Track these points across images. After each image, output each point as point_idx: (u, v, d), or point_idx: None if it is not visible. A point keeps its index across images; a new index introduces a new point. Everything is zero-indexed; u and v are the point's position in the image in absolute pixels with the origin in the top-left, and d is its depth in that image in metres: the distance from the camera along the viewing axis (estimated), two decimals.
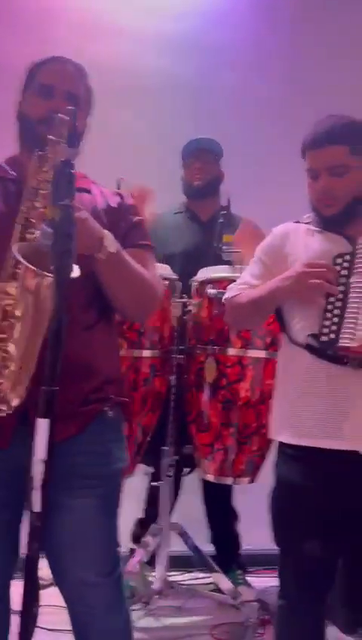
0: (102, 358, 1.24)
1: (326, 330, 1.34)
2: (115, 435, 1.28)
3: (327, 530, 1.39)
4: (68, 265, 0.86)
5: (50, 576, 1.24)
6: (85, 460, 1.19)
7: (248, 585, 2.31)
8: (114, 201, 1.30)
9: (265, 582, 2.26)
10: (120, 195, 1.34)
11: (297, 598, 1.44)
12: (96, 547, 1.22)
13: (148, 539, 2.05)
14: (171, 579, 2.14)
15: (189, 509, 2.37)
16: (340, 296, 1.33)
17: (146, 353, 1.92)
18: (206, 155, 2.33)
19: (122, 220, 1.28)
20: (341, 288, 1.34)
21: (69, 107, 0.96)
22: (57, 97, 1.21)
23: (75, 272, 0.95)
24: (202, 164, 2.32)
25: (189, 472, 2.19)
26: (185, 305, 2.04)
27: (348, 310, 1.32)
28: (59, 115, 0.96)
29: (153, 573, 2.09)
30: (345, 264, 1.35)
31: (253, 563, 2.47)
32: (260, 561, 2.43)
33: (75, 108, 1.01)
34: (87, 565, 1.21)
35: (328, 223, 1.42)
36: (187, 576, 2.41)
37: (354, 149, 1.37)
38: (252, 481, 1.98)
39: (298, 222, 1.51)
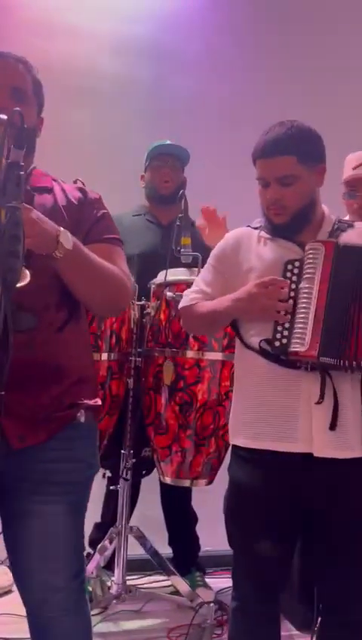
0: (73, 358, 1.22)
1: (278, 336, 1.37)
2: (88, 441, 1.26)
3: (280, 531, 1.42)
4: (14, 267, 0.84)
5: (6, 584, 1.22)
6: (56, 467, 1.18)
7: (207, 586, 2.32)
8: (75, 197, 1.28)
9: (225, 582, 2.27)
10: (82, 190, 1.31)
11: (250, 598, 1.46)
12: (66, 552, 1.22)
13: (105, 543, 2.03)
14: (129, 582, 2.13)
15: (148, 511, 2.36)
16: (290, 304, 1.36)
17: (104, 356, 1.91)
18: (175, 162, 2.34)
19: (85, 215, 1.26)
20: (291, 294, 1.37)
21: (15, 109, 0.93)
22: (1, 94, 1.18)
23: (26, 277, 0.94)
24: (170, 170, 2.33)
25: (146, 474, 2.18)
26: (143, 307, 2.04)
27: (298, 316, 1.35)
28: (2, 116, 0.95)
29: (111, 578, 2.08)
30: (296, 270, 1.38)
31: (213, 564, 2.49)
32: (220, 562, 2.45)
33: (21, 107, 0.99)
34: (56, 570, 1.20)
35: (278, 231, 1.45)
36: (146, 579, 2.41)
37: (303, 158, 1.39)
38: (209, 483, 1.99)
39: (249, 226, 1.53)
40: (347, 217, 2.01)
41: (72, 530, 1.22)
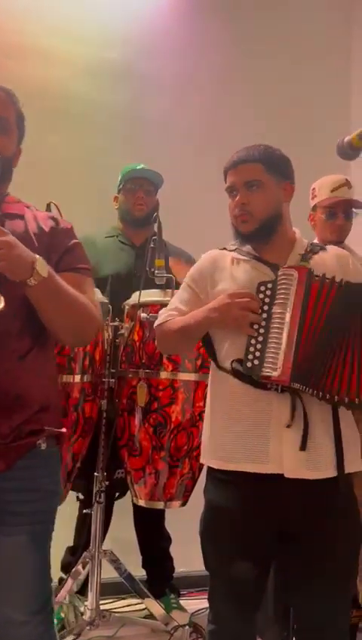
0: (35, 387, 1.21)
1: (250, 357, 1.38)
2: (49, 469, 1.25)
3: (255, 552, 1.42)
4: None
5: None
6: (16, 497, 1.16)
7: (182, 609, 2.29)
8: (47, 225, 1.28)
9: (200, 604, 2.26)
10: (54, 219, 1.32)
11: (227, 620, 1.45)
12: (28, 586, 1.19)
13: (78, 568, 2.00)
14: (104, 607, 2.10)
15: (121, 533, 2.34)
16: (263, 323, 1.38)
17: (77, 378, 1.89)
18: (148, 185, 2.37)
19: (56, 244, 1.26)
20: (264, 316, 1.39)
21: None
22: None
23: (1, 302, 0.93)
24: (144, 193, 2.35)
25: (119, 497, 2.17)
26: (117, 328, 2.04)
27: (270, 339, 1.36)
28: None
29: (84, 603, 2.05)
30: (268, 292, 1.40)
31: (188, 585, 2.47)
32: (195, 583, 2.43)
33: (2, 137, 0.99)
34: (17, 605, 1.17)
35: (246, 240, 1.49)
36: (120, 603, 2.38)
37: (269, 168, 1.47)
38: (184, 504, 1.99)
39: (224, 249, 1.57)
40: (315, 240, 2.07)
41: (35, 561, 1.20)
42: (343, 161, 1.34)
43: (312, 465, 1.37)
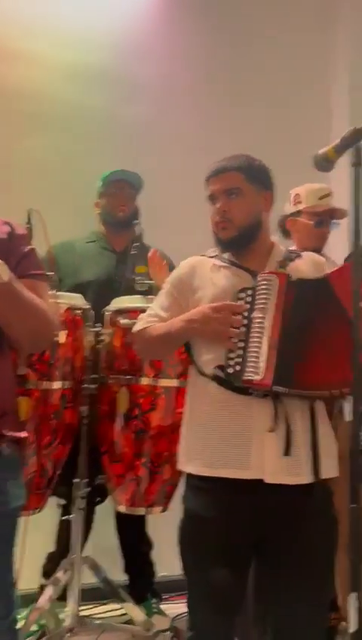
0: None
1: (231, 362, 1.39)
2: (11, 472, 1.25)
3: (233, 559, 1.43)
4: None
5: None
6: None
7: (163, 613, 2.30)
8: (3, 231, 1.29)
9: (182, 608, 2.26)
10: (9, 224, 1.32)
11: (206, 626, 1.47)
12: None
13: (59, 575, 2.00)
14: (84, 612, 2.09)
15: (103, 538, 2.34)
16: (242, 331, 1.40)
17: (57, 385, 1.88)
18: (129, 188, 2.37)
19: (12, 250, 1.27)
20: (244, 322, 1.40)
21: None
22: None
23: None
24: (126, 197, 2.36)
25: (99, 502, 2.16)
26: (98, 334, 2.04)
27: (251, 344, 1.38)
28: None
29: (65, 609, 2.04)
30: (248, 298, 1.42)
31: (170, 589, 2.47)
32: (177, 587, 2.43)
33: None
34: None
35: (226, 246, 1.52)
36: (102, 608, 2.38)
37: (249, 177, 1.50)
38: (164, 510, 1.99)
39: (203, 255, 1.58)
40: (294, 247, 2.09)
41: None
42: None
43: (292, 470, 1.38)
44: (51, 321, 1.29)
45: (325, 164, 1.21)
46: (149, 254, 2.18)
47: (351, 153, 1.14)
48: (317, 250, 2.13)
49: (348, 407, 2.05)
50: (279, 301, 1.37)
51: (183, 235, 2.30)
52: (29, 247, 1.32)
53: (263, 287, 1.40)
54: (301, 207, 2.14)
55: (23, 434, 1.29)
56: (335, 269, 1.47)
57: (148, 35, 2.99)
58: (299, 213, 2.14)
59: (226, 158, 1.53)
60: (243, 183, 1.49)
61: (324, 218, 2.11)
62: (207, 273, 1.53)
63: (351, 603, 1.04)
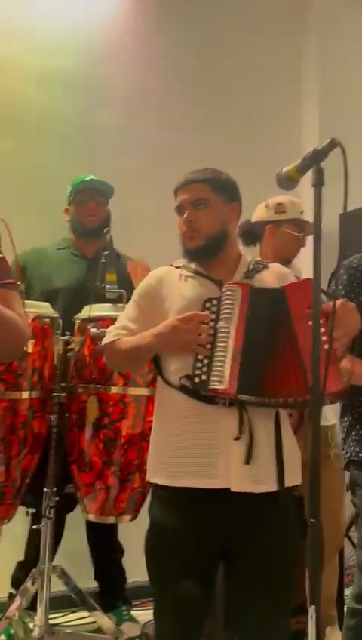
0: None
1: (198, 372, 1.41)
2: None
3: (199, 568, 1.44)
4: None
5: None
6: None
7: (133, 620, 2.31)
8: None
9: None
10: None
11: (172, 637, 1.47)
12: None
13: (27, 585, 1.99)
14: (55, 621, 2.08)
15: (74, 546, 2.33)
16: (210, 339, 1.41)
17: (25, 394, 1.87)
18: (99, 196, 2.36)
19: None
20: (210, 332, 1.42)
21: None
22: None
23: None
24: (95, 204, 2.35)
25: (69, 511, 2.16)
26: (67, 342, 2.03)
27: (216, 353, 1.39)
28: None
29: (35, 618, 2.03)
30: (213, 308, 1.43)
31: (141, 596, 2.47)
32: (148, 594, 2.41)
33: None
34: None
35: (193, 256, 1.54)
36: (71, 616, 2.37)
37: (215, 189, 1.53)
38: (134, 518, 1.99)
39: (171, 265, 1.59)
40: (259, 255, 2.12)
41: None
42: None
43: (258, 478, 1.40)
44: (22, 331, 1.28)
45: (287, 182, 1.22)
46: (128, 268, 2.19)
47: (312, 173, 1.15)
48: (290, 260, 2.17)
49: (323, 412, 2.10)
50: (242, 311, 1.39)
51: (155, 241, 2.31)
52: None
53: (228, 297, 1.42)
54: (285, 216, 2.17)
55: None
56: (294, 281, 1.50)
57: (120, 40, 2.98)
58: (281, 222, 2.17)
59: (194, 171, 1.56)
60: (210, 194, 1.52)
61: (305, 232, 2.16)
62: (174, 284, 1.54)
63: (310, 615, 1.05)
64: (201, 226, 1.51)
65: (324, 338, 1.27)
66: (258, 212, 2.24)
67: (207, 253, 1.52)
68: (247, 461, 1.39)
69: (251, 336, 1.38)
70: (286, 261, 2.12)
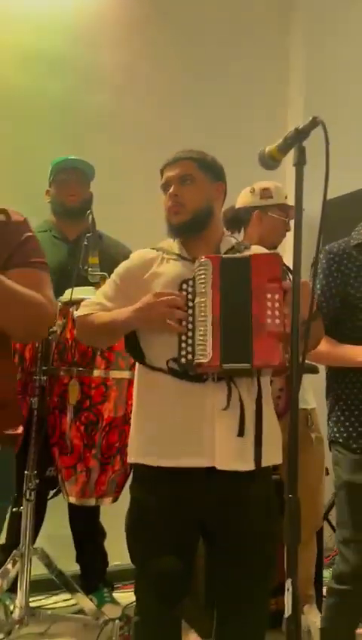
0: None
1: (183, 352, 1.41)
2: (6, 469, 1.25)
3: (179, 545, 1.46)
4: None
5: None
6: None
7: (115, 602, 2.33)
8: None
9: (134, 596, 2.29)
10: (5, 211, 1.29)
11: (152, 611, 1.49)
12: None
13: (8, 566, 1.99)
14: (36, 603, 2.08)
15: (56, 529, 2.34)
16: (190, 319, 1.41)
17: None
18: (80, 176, 2.33)
19: (7, 239, 1.24)
20: (189, 312, 1.42)
21: None
22: None
23: None
24: (76, 183, 2.32)
25: (55, 495, 2.16)
26: None
27: (197, 330, 1.40)
28: None
29: (15, 600, 2.03)
30: (190, 289, 1.44)
31: (123, 578, 2.49)
32: (130, 576, 2.43)
33: None
34: None
35: (177, 232, 1.55)
36: (53, 599, 2.38)
37: (201, 166, 1.55)
38: (115, 500, 2.00)
39: (153, 248, 1.59)
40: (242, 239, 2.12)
41: None
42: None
43: (242, 456, 1.41)
44: (45, 312, 1.24)
45: (271, 162, 1.22)
46: None
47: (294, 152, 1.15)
48: (276, 245, 2.18)
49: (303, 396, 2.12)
50: (215, 283, 1.40)
51: (140, 224, 2.30)
52: (27, 234, 1.29)
53: (201, 272, 1.42)
54: (272, 201, 2.18)
55: (18, 430, 1.28)
56: (263, 253, 1.51)
57: (106, 23, 2.95)
58: (268, 207, 2.17)
59: (180, 151, 1.58)
60: (196, 170, 1.55)
61: (290, 217, 2.17)
62: (155, 266, 1.54)
63: (287, 587, 1.07)
64: (187, 201, 1.52)
65: (277, 313, 1.31)
66: (243, 197, 2.24)
67: (191, 228, 1.53)
68: (241, 433, 1.40)
69: (228, 306, 1.38)
70: (273, 246, 2.13)
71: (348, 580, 1.65)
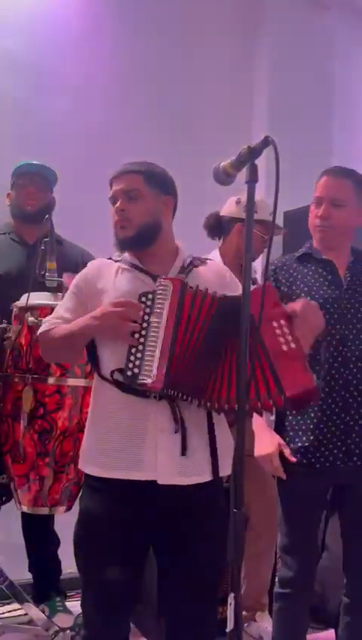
0: None
1: (130, 365, 1.39)
2: None
3: (125, 559, 1.45)
4: None
5: None
6: None
7: (67, 611, 2.30)
8: None
9: None
10: None
11: (99, 625, 1.48)
12: None
13: None
14: None
15: (8, 537, 2.30)
16: (143, 332, 1.40)
17: None
18: (40, 181, 2.31)
19: None
20: (144, 325, 1.41)
21: None
22: None
23: None
24: (36, 189, 2.30)
25: (5, 502, 2.12)
26: (3, 331, 1.98)
27: (147, 348, 1.39)
28: None
29: None
30: (148, 302, 1.43)
31: (76, 587, 2.43)
32: None
33: None
34: None
35: (123, 246, 1.54)
36: (5, 608, 2.34)
37: (148, 180, 1.53)
38: (68, 509, 1.98)
39: (110, 258, 1.58)
40: (211, 255, 2.11)
41: None
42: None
43: (186, 470, 1.42)
44: None
45: (224, 178, 1.23)
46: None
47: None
48: (254, 259, 2.20)
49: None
50: (172, 307, 1.39)
51: (98, 230, 2.27)
52: None
53: (160, 292, 1.41)
54: (256, 217, 2.17)
55: None
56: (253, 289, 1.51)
57: (70, 27, 2.92)
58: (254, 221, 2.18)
59: (130, 162, 1.55)
60: (143, 185, 1.52)
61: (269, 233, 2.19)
62: (111, 276, 1.53)
63: (229, 602, 1.08)
64: (132, 216, 1.50)
65: (289, 337, 1.33)
66: (228, 207, 2.25)
67: (137, 244, 1.52)
68: (183, 452, 1.40)
69: (181, 333, 1.38)
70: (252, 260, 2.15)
71: (291, 583, 1.75)
